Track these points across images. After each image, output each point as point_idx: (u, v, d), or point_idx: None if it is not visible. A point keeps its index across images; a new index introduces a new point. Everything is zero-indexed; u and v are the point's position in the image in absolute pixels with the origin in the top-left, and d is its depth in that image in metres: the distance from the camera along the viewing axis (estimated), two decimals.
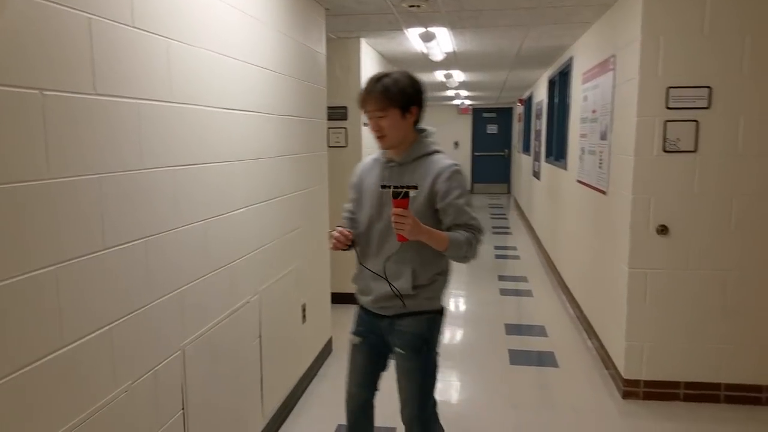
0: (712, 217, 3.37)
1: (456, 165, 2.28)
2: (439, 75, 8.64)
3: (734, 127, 3.28)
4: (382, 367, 2.47)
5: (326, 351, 4.31)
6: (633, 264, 3.48)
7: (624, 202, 3.58)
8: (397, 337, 2.35)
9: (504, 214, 12.25)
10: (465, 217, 2.23)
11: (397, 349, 2.36)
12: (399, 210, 2.05)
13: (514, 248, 8.56)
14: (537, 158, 9.05)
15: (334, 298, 4.60)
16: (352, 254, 2.40)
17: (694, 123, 3.31)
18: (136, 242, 1.94)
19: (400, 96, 2.21)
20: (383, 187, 2.13)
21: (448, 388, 3.91)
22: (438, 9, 4.37)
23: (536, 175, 9.09)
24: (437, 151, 2.32)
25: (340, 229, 2.29)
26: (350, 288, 2.51)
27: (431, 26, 5.02)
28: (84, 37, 1.70)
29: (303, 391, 3.73)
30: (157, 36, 2.06)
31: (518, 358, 4.30)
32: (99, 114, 1.76)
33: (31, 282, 1.51)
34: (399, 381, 2.39)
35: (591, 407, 3.58)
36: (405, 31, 5.18)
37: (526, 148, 11.37)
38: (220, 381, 2.59)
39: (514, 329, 4.95)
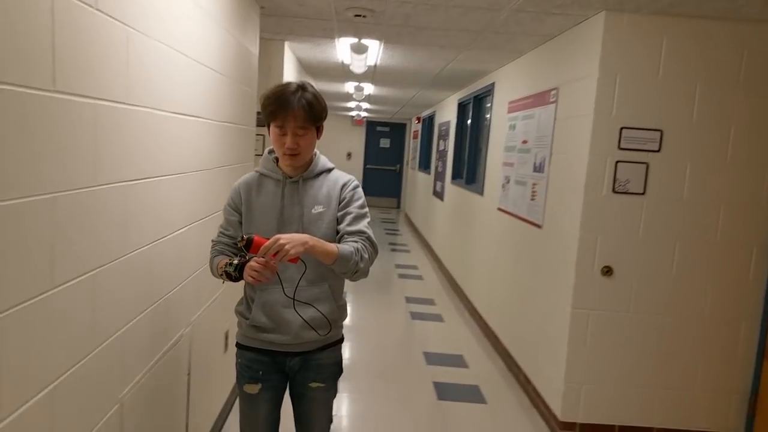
0: (655, 261, 3.39)
1: (356, 180, 2.17)
2: (350, 86, 8.42)
3: (682, 172, 3.34)
4: (279, 412, 2.21)
5: None
6: (576, 304, 3.42)
7: (568, 239, 3.54)
8: (314, 372, 2.12)
9: (397, 230, 12.22)
10: (361, 224, 2.03)
11: (316, 384, 2.13)
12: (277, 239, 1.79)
13: (415, 267, 8.47)
14: (440, 178, 9.05)
15: None
16: None
17: (645, 165, 3.33)
18: (84, 277, 1.54)
19: (321, 114, 2.04)
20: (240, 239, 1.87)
21: (375, 423, 3.64)
22: (380, 21, 4.15)
23: (438, 195, 9.09)
24: (334, 168, 2.19)
25: (260, 260, 1.86)
26: None
27: (366, 38, 4.80)
28: (45, 16, 1.31)
29: (221, 429, 3.32)
30: (117, 22, 1.67)
31: (444, 392, 4.12)
32: (58, 116, 1.37)
33: None
34: (309, 414, 2.18)
35: None
36: (336, 40, 4.92)
37: (424, 166, 11.42)
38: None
39: (434, 358, 4.79)
